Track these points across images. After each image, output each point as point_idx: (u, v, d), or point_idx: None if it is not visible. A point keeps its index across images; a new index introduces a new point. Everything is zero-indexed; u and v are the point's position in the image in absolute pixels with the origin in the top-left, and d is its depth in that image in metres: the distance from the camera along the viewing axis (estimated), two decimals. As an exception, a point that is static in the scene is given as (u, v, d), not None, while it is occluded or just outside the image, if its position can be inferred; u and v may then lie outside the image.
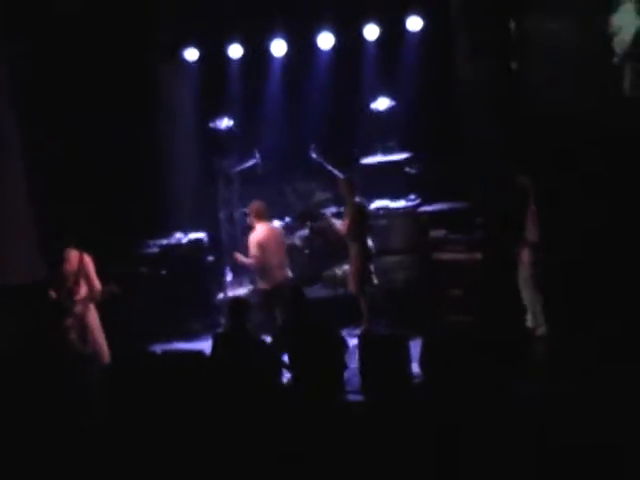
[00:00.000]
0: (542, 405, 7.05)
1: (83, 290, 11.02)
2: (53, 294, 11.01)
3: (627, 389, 7.36)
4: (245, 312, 9.21)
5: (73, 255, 11.03)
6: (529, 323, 10.95)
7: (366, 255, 11.77)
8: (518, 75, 12.64)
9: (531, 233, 10.88)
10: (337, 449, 7.17)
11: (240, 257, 11.76)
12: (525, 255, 10.89)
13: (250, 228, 11.84)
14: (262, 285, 11.77)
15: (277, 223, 13.28)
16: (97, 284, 11.06)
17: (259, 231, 11.68)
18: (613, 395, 7.20)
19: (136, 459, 7.22)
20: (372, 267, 11.87)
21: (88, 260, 11.06)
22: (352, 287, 11.85)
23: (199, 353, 9.46)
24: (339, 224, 12.02)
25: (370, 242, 11.86)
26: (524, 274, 10.95)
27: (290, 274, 11.85)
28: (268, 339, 10.28)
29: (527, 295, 10.93)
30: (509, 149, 12.09)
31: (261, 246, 11.56)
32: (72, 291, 10.95)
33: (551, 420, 6.61)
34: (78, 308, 10.94)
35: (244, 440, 7.28)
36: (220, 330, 9.63)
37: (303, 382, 8.69)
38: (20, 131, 13.12)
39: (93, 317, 11.09)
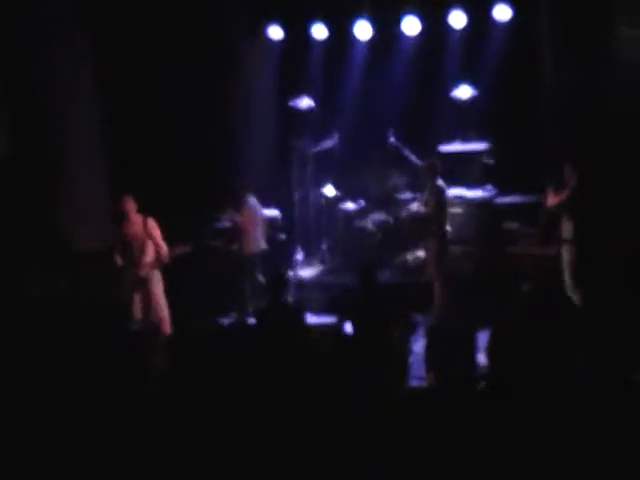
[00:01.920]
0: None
1: (149, 255, 11.08)
2: (119, 260, 11.10)
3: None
4: (282, 286, 9.15)
5: (136, 218, 11.09)
6: None
7: (446, 238, 11.70)
8: (604, 74, 12.45)
9: (566, 229, 10.71)
10: (396, 432, 7.12)
11: None
12: (564, 252, 10.76)
13: None
14: None
15: (351, 205, 13.33)
16: (163, 246, 11.11)
17: None
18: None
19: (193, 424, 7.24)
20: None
21: (152, 223, 11.11)
22: (430, 270, 11.73)
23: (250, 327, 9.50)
24: (416, 206, 11.97)
25: (448, 227, 11.76)
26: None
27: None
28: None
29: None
30: (583, 149, 11.94)
31: None
32: (137, 256, 11.03)
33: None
34: (143, 272, 11.03)
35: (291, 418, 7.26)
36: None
37: (367, 362, 8.65)
38: (100, 102, 13.32)
39: (157, 285, 11.15)
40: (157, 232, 11.13)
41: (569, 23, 12.35)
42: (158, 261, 11.06)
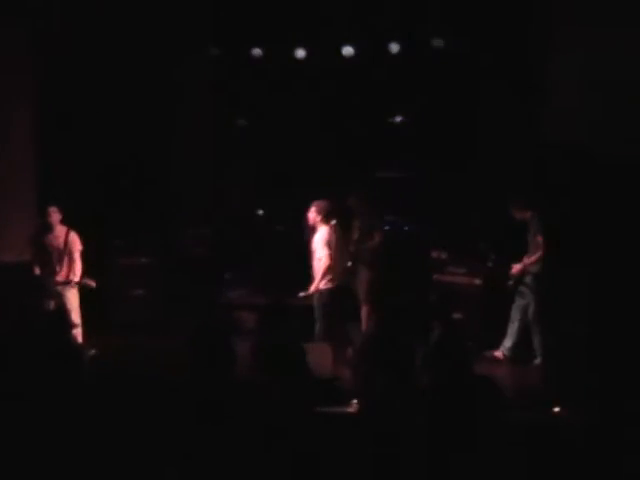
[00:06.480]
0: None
1: (65, 271, 10.93)
2: (38, 270, 10.98)
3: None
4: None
5: (60, 230, 10.98)
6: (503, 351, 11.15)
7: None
8: (542, 99, 12.61)
9: (533, 264, 11.01)
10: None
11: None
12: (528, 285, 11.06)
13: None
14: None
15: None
16: (79, 268, 10.94)
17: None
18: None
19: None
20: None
21: (75, 237, 10.98)
22: (363, 297, 11.48)
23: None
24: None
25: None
26: (522, 302, 11.07)
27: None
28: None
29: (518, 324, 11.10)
30: (519, 178, 12.13)
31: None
32: (54, 269, 10.90)
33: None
34: (58, 288, 10.89)
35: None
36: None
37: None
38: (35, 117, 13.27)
39: (73, 298, 10.96)
40: (77, 247, 10.99)
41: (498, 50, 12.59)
42: (69, 281, 10.88)
